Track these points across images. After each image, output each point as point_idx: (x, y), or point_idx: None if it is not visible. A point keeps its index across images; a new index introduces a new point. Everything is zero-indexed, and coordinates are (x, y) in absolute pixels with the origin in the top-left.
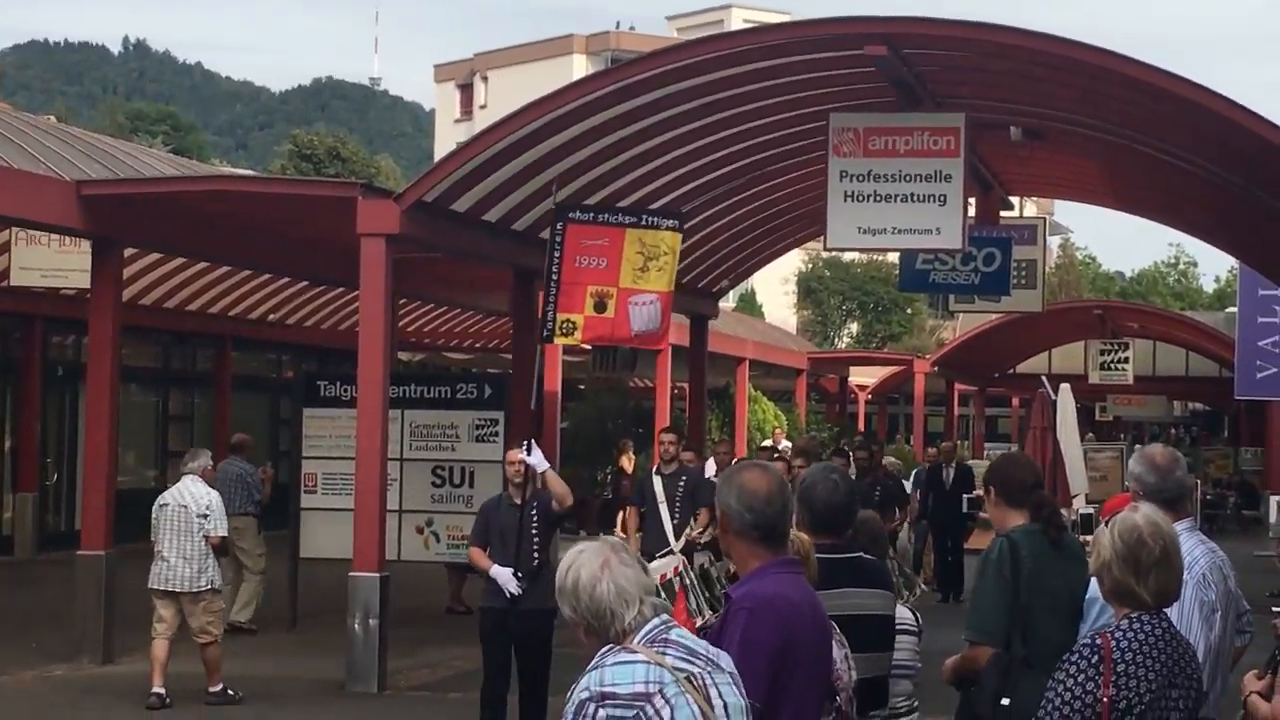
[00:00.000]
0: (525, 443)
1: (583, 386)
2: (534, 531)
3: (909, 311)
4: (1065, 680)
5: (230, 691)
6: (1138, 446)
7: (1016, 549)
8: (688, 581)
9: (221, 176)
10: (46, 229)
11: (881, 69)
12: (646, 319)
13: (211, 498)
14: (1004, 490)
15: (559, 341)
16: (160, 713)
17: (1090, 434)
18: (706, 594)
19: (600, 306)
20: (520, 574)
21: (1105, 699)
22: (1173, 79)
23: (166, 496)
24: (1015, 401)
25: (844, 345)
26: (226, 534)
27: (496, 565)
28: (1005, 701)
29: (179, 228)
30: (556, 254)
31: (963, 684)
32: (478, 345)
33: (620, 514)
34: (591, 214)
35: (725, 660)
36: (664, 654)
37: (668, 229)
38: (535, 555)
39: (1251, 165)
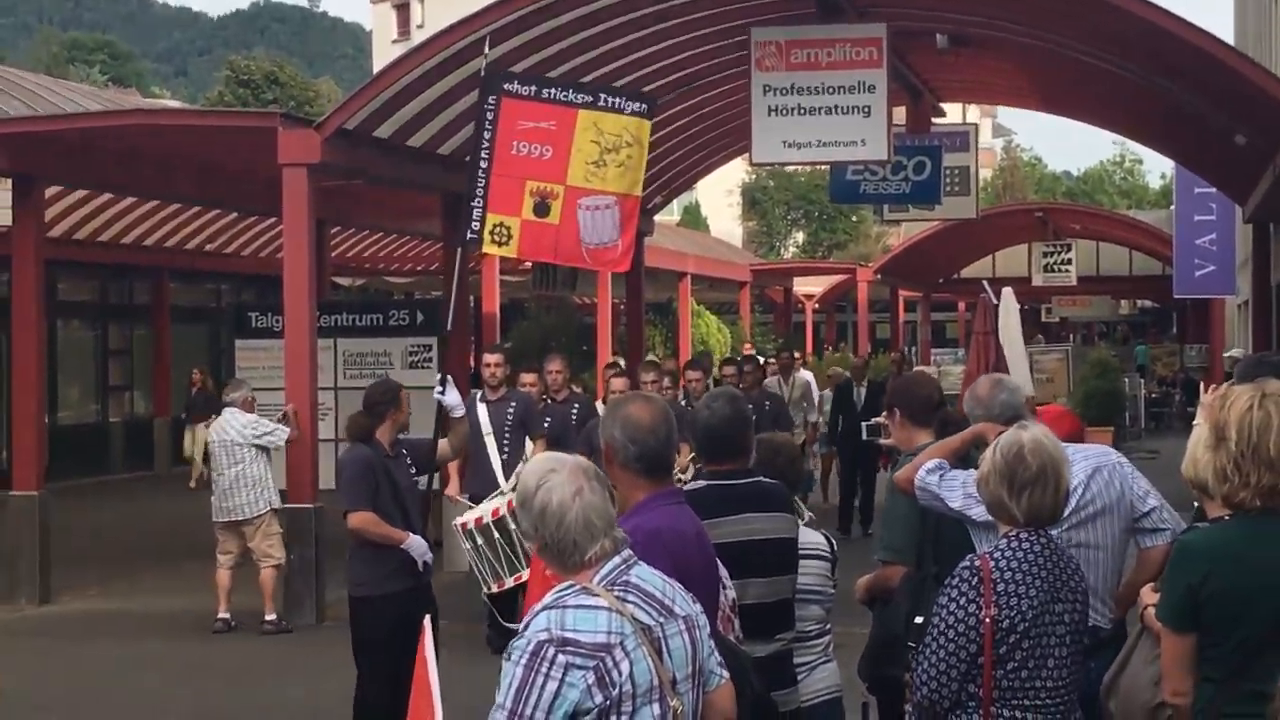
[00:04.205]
0: (440, 377)
1: (529, 304)
2: (416, 486)
3: (854, 219)
4: (948, 604)
5: (284, 621)
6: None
7: None
8: (514, 527)
9: (139, 111)
10: None
11: None
12: (600, 228)
13: (252, 421)
14: (909, 410)
15: (491, 251)
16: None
17: (1040, 336)
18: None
19: (542, 209)
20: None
21: (988, 619)
22: None
23: (211, 432)
24: (962, 306)
25: (790, 255)
26: (290, 430)
27: (412, 535)
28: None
29: (101, 163)
30: (486, 135)
31: (875, 603)
32: (419, 269)
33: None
34: (534, 87)
35: (679, 601)
36: (625, 600)
37: (633, 114)
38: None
39: (1171, 64)
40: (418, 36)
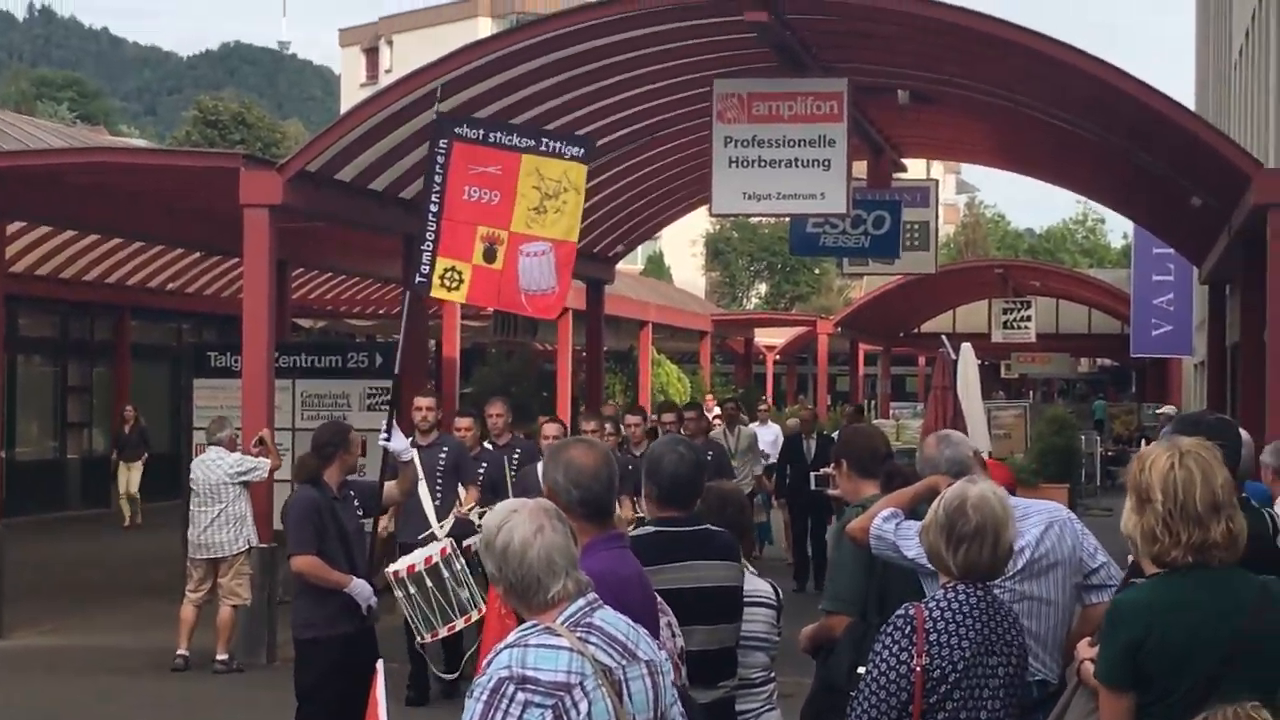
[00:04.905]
0: (385, 422)
1: (494, 350)
2: (363, 529)
3: (817, 272)
4: (881, 652)
5: (234, 661)
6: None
7: None
8: (458, 567)
9: (102, 149)
10: None
11: (763, 35)
12: (538, 275)
13: (238, 460)
14: (855, 462)
15: (440, 296)
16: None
17: (1000, 392)
18: (469, 589)
19: (490, 255)
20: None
21: (919, 667)
22: (1045, 41)
23: (195, 469)
24: (921, 360)
25: (753, 306)
26: (270, 461)
27: (355, 579)
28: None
29: (63, 200)
30: (438, 180)
31: (819, 652)
32: (380, 312)
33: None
34: (482, 131)
35: (643, 646)
36: (587, 641)
37: (572, 159)
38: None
39: (1130, 126)
40: (386, 80)
